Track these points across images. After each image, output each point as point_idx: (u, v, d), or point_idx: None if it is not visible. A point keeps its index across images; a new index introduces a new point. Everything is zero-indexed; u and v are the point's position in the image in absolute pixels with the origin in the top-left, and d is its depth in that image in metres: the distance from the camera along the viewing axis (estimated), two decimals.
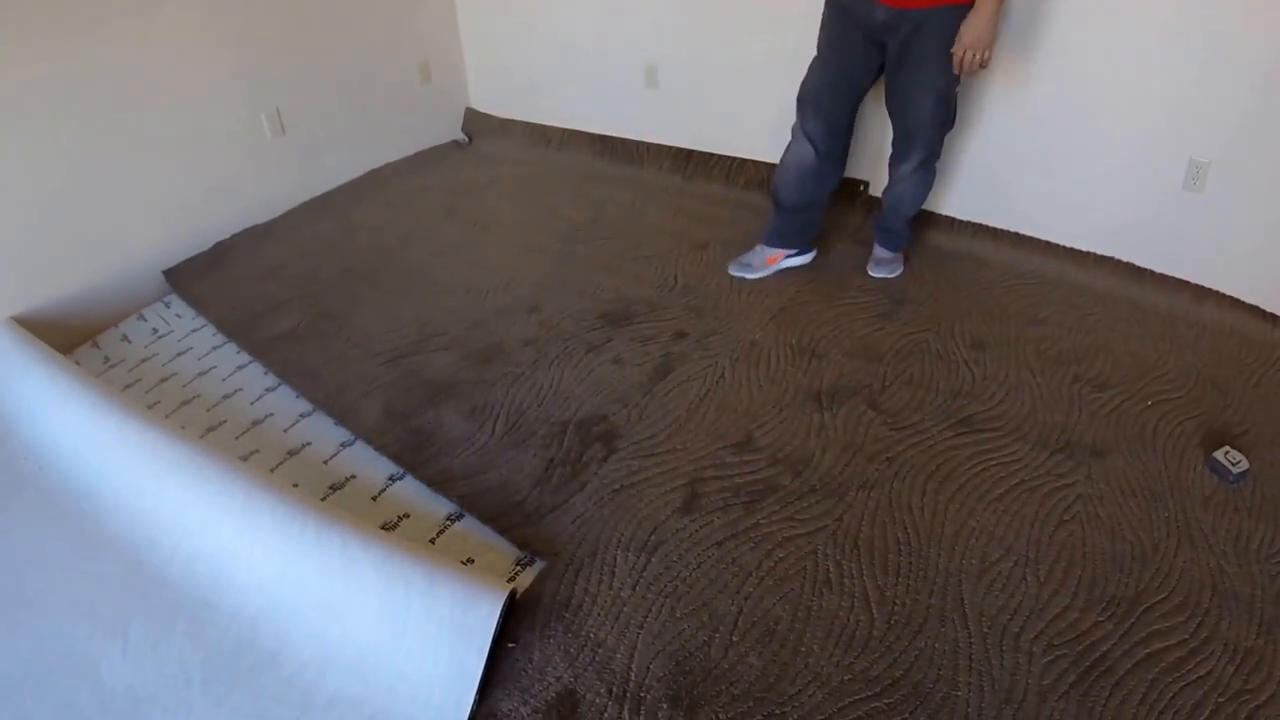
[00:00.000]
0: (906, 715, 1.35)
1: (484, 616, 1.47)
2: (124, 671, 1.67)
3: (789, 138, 2.50)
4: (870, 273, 2.65)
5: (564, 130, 3.81)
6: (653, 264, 2.72)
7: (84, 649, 1.73)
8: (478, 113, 4.08)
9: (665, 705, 1.39)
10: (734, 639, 1.48)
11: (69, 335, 2.88)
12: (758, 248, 2.69)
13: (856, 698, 1.38)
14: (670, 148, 3.48)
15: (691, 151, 3.42)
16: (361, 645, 1.57)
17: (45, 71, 2.66)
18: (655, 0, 3.32)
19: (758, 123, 3.22)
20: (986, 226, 2.79)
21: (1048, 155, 2.60)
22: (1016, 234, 2.74)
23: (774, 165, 2.58)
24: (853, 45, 2.29)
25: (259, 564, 1.75)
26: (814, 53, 2.38)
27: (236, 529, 1.81)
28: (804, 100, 2.43)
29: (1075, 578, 1.54)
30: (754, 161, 3.25)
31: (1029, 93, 2.59)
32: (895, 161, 2.49)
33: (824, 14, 2.32)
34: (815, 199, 2.53)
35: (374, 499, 1.91)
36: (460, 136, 4.09)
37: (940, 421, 1.93)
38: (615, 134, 3.64)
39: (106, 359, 2.68)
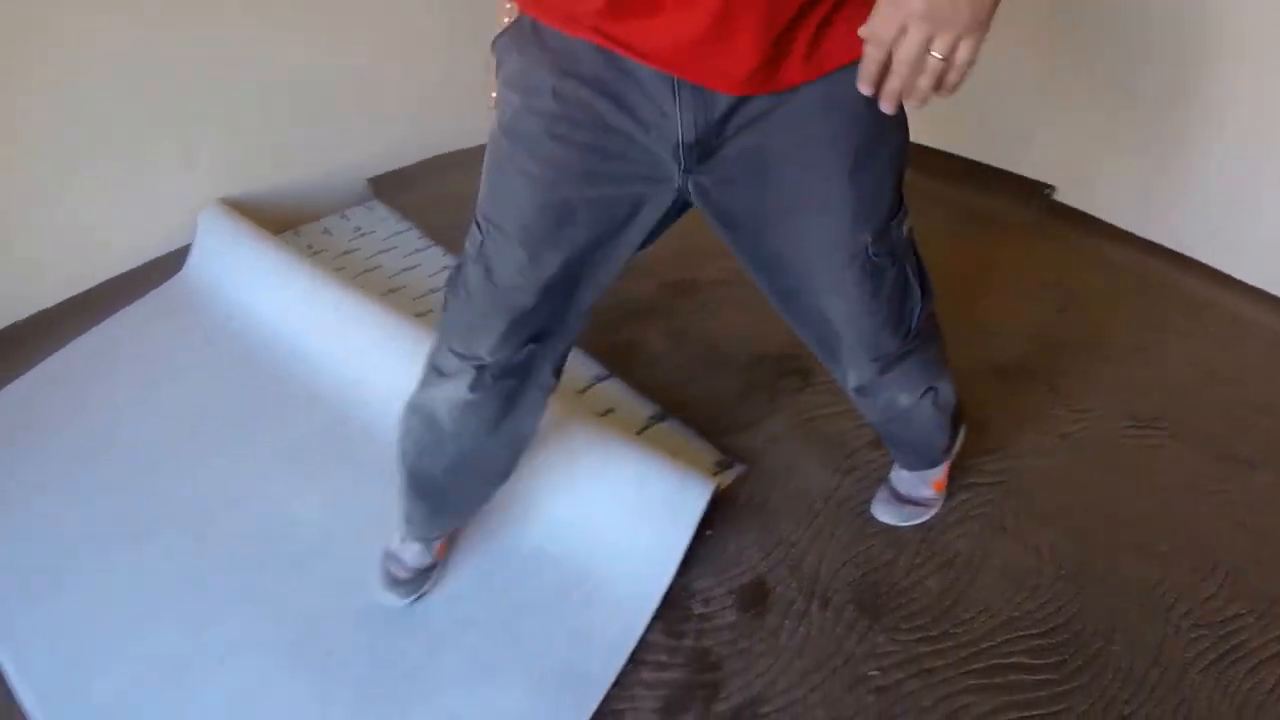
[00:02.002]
0: (1065, 657, 1.41)
1: (694, 499, 1.56)
2: (316, 507, 1.82)
3: None
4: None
5: None
6: None
7: (281, 487, 1.88)
8: None
9: (851, 607, 1.48)
10: (916, 562, 1.56)
11: (271, 224, 2.98)
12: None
13: (1021, 633, 1.45)
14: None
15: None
16: (567, 508, 1.67)
17: None
18: None
19: None
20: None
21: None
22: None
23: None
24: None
25: None
26: None
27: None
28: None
29: (1222, 570, 1.56)
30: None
31: None
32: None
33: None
34: None
35: (580, 392, 2.01)
36: None
37: (1114, 412, 1.95)
38: None
39: (309, 246, 2.84)
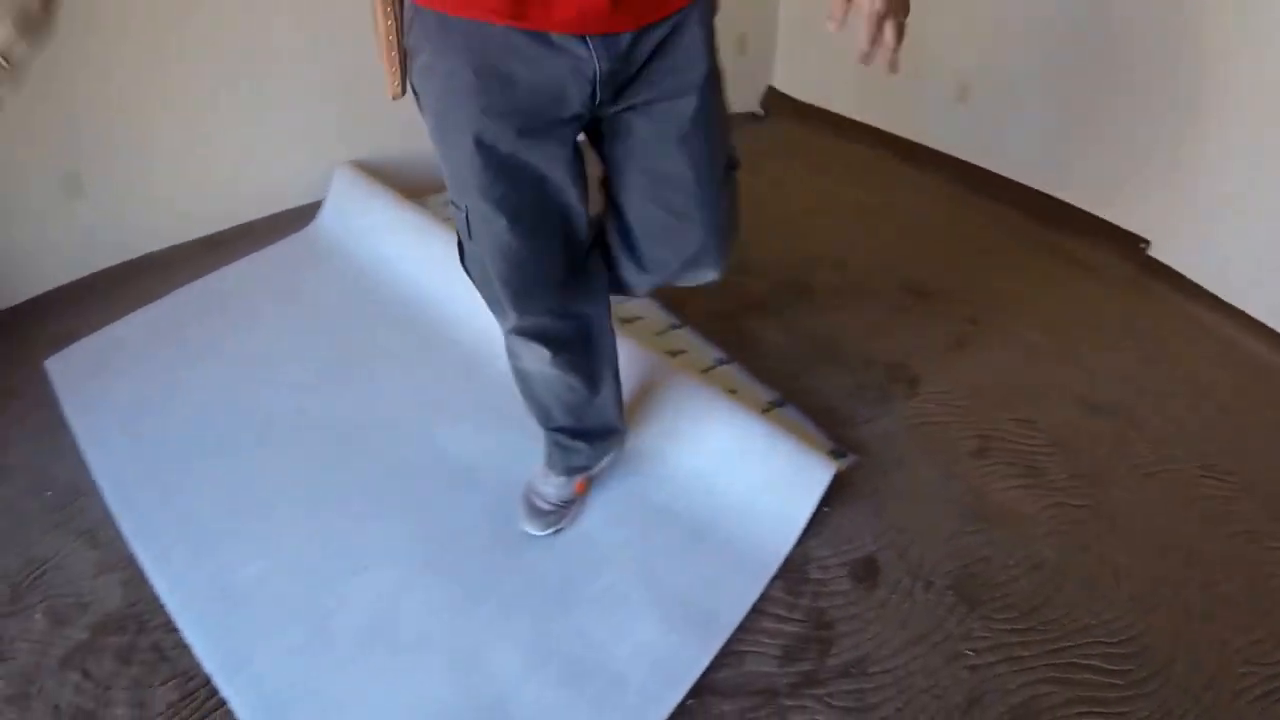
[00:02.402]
0: (1132, 667, 1.55)
1: (818, 475, 1.73)
2: (458, 441, 2.00)
3: None
4: None
5: (862, 125, 3.85)
6: (940, 259, 2.88)
7: (427, 421, 2.08)
8: (778, 92, 4.25)
9: (951, 593, 1.64)
10: (1009, 563, 1.71)
11: (400, 190, 3.15)
12: None
13: (1097, 639, 1.59)
14: (968, 164, 3.42)
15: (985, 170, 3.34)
16: (697, 469, 1.84)
17: None
18: (969, 11, 3.28)
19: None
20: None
21: None
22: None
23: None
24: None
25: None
26: None
27: None
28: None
29: (1274, 618, 1.68)
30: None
31: None
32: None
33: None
34: None
35: (703, 372, 2.17)
36: (758, 109, 4.27)
37: (1192, 460, 2.08)
38: (913, 138, 3.64)
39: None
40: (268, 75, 2.85)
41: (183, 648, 1.69)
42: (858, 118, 3.82)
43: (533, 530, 1.74)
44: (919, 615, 1.60)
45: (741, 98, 4.12)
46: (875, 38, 1.02)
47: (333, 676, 1.55)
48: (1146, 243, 2.78)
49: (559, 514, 1.76)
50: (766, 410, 2.04)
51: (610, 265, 1.49)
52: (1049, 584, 1.68)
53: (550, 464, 1.73)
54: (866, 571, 1.67)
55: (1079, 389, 2.21)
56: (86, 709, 1.64)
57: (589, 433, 1.67)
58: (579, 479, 1.76)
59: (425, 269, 2.54)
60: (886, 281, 2.66)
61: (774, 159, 3.66)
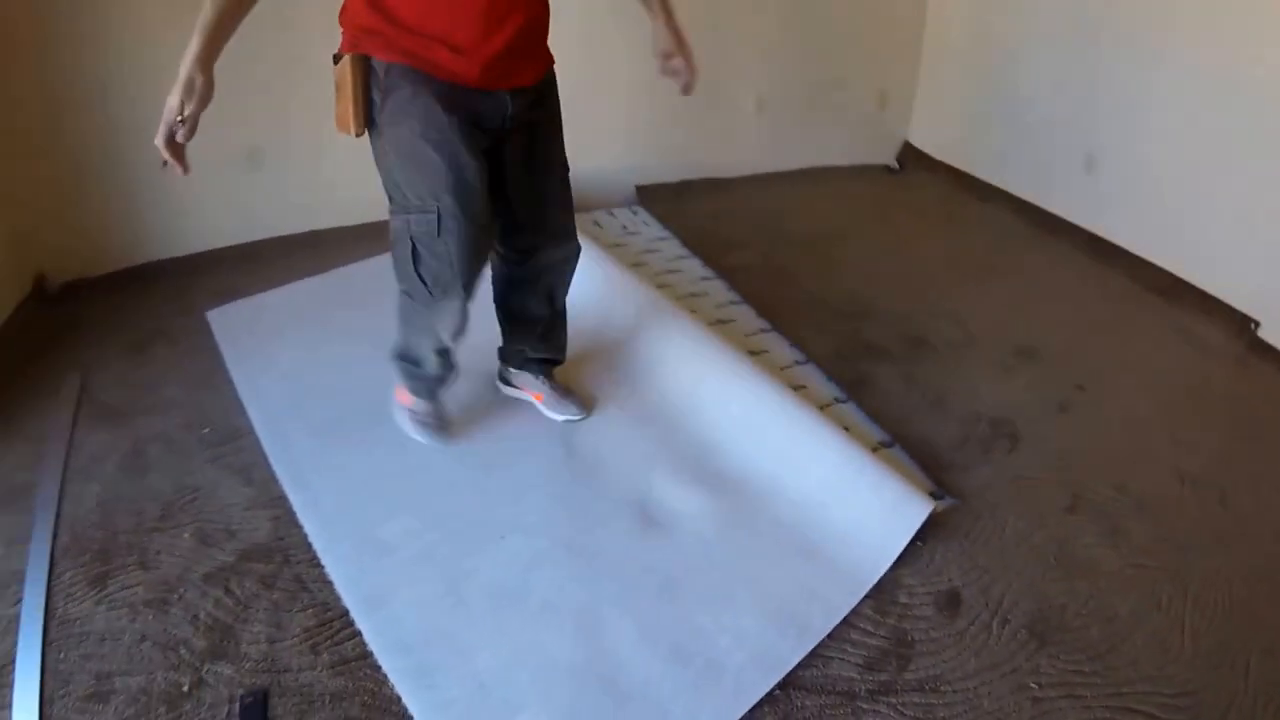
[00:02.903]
0: (1184, 719, 1.66)
1: (915, 511, 1.92)
2: (593, 437, 2.32)
3: None
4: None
5: (992, 186, 3.93)
6: (1054, 325, 2.99)
7: (553, 424, 2.37)
8: (913, 147, 4.38)
9: (1024, 631, 1.79)
10: (1083, 611, 1.85)
11: None
12: None
13: (1156, 690, 1.70)
14: (1090, 233, 3.49)
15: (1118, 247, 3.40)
16: (807, 494, 2.05)
17: None
18: (1094, 86, 3.36)
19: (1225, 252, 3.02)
20: None
21: None
22: None
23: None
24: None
25: (725, 406, 2.32)
26: None
27: (707, 373, 2.40)
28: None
29: None
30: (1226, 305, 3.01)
31: None
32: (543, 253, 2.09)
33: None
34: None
35: (822, 408, 2.38)
36: (892, 163, 4.42)
37: (1272, 533, 2.16)
38: (1040, 204, 3.70)
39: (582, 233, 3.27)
40: None
41: (324, 583, 1.94)
42: (989, 179, 3.93)
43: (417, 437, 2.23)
44: (992, 647, 1.75)
45: (878, 151, 4.33)
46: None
47: (464, 626, 1.80)
48: (1257, 323, 2.85)
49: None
50: (876, 449, 2.22)
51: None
52: (1118, 635, 1.80)
53: (416, 390, 2.21)
54: (949, 602, 1.83)
55: (1174, 460, 2.32)
56: (224, 622, 1.88)
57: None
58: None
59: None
60: (1001, 342, 2.80)
61: (905, 212, 3.84)
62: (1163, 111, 3.13)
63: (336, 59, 1.71)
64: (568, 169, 2.02)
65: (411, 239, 1.82)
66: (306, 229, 3.37)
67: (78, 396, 2.56)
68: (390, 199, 1.87)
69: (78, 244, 3.08)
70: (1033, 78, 3.63)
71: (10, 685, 1.74)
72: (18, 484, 2.26)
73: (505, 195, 1.92)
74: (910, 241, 3.58)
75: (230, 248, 3.25)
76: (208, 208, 3.04)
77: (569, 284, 2.18)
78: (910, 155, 4.39)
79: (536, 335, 2.24)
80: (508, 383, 2.40)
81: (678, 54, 1.97)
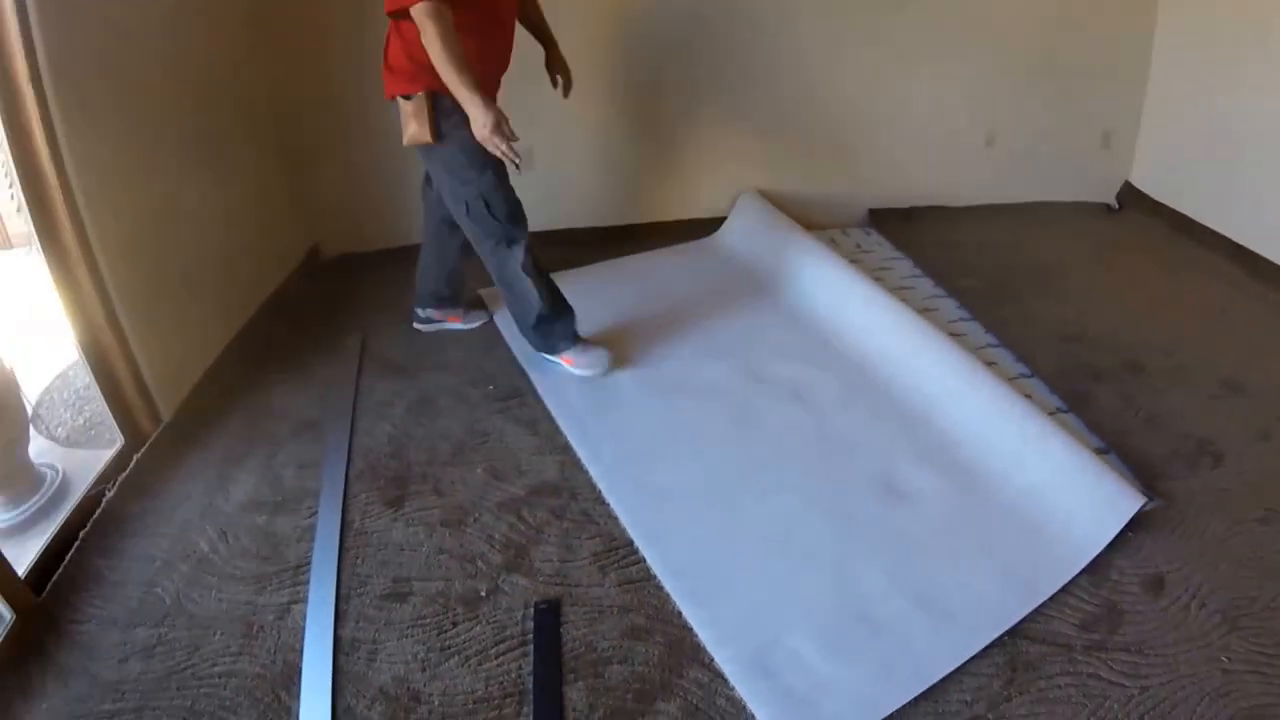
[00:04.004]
0: None
1: (1129, 503, 2.19)
2: (843, 427, 2.64)
3: None
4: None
5: (1210, 230, 3.95)
6: (1261, 362, 3.11)
7: (813, 402, 2.74)
8: (1134, 187, 4.42)
9: (1218, 616, 2.01)
10: (1270, 606, 2.03)
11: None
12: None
13: None
14: None
15: None
16: (1038, 481, 2.33)
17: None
18: None
19: None
20: None
21: None
22: None
23: None
24: None
25: (963, 402, 2.61)
26: None
27: (947, 373, 2.69)
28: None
29: None
30: None
31: None
32: None
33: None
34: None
35: (1049, 414, 2.68)
36: (1112, 202, 4.51)
37: None
38: (1257, 250, 3.70)
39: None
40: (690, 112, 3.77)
41: (610, 519, 2.31)
42: (1207, 223, 3.97)
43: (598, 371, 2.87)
44: (1190, 624, 2.00)
45: (1099, 190, 4.46)
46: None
47: (732, 563, 2.15)
48: None
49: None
50: (1095, 454, 2.52)
51: None
52: None
53: (565, 344, 2.84)
54: (1154, 585, 2.10)
55: None
56: (518, 543, 2.24)
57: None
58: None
59: (815, 285, 3.25)
60: (1209, 373, 2.98)
61: (1125, 252, 3.99)
62: None
63: (407, 97, 2.45)
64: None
65: (482, 196, 2.54)
66: (565, 227, 3.87)
67: (360, 353, 3.07)
68: (458, 184, 2.57)
69: (349, 224, 3.67)
70: (1254, 123, 3.65)
71: (306, 583, 2.13)
72: (308, 419, 2.73)
73: None
74: (1129, 277, 3.74)
75: None
76: None
77: None
78: (1130, 195, 4.45)
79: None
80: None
81: (559, 72, 2.79)
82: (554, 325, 2.80)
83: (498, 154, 2.35)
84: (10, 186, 2.97)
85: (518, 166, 2.41)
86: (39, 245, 2.30)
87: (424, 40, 2.22)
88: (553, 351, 2.86)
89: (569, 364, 2.84)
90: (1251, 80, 3.65)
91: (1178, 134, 4.16)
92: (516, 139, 2.36)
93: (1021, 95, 4.16)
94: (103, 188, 2.41)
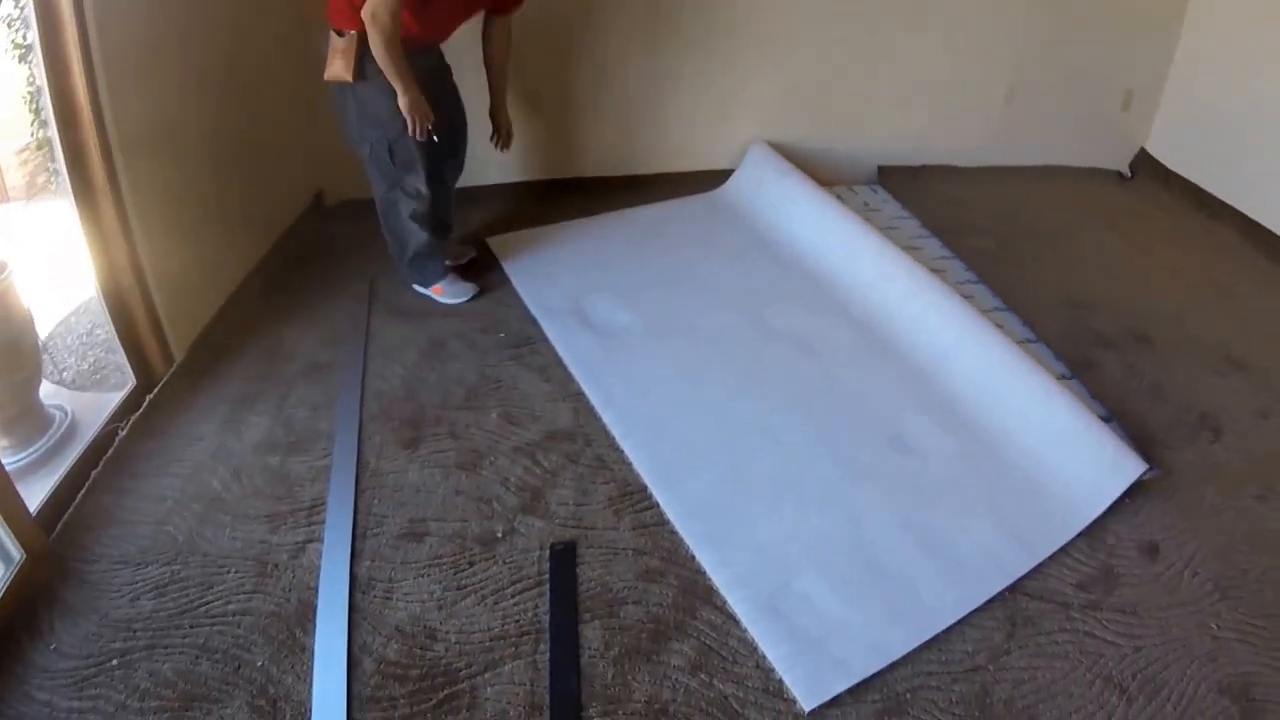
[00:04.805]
0: None
1: (1129, 470, 2.31)
2: (853, 373, 2.76)
3: None
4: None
5: (1223, 203, 4.04)
6: (1265, 342, 3.19)
7: (824, 356, 2.83)
8: (1149, 155, 4.47)
9: (1210, 584, 2.12)
10: (1262, 577, 2.15)
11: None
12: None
13: None
14: None
15: None
16: (1042, 442, 2.43)
17: None
18: None
19: None
20: None
21: None
22: None
23: None
24: None
25: (972, 361, 2.69)
26: None
27: (957, 331, 2.77)
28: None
29: None
30: None
31: None
32: None
33: None
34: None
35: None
36: (1125, 170, 4.56)
37: None
38: (1271, 227, 3.76)
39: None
40: (702, 55, 3.81)
41: (624, 464, 2.40)
42: (1221, 196, 4.03)
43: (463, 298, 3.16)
44: (1183, 590, 2.11)
45: (1114, 156, 4.50)
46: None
47: (746, 503, 2.26)
48: None
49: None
50: None
51: None
52: None
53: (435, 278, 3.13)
54: (1149, 550, 2.21)
55: None
56: (534, 485, 2.33)
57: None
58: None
59: (825, 238, 3.33)
60: (1214, 348, 3.08)
61: (1136, 219, 4.07)
62: None
63: (340, 33, 2.58)
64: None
65: (387, 140, 2.75)
66: (576, 175, 3.95)
67: (369, 297, 3.15)
68: (368, 125, 2.76)
69: (351, 173, 3.65)
70: (1272, 92, 3.70)
71: (321, 522, 2.21)
72: (319, 361, 2.80)
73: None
74: (1139, 247, 3.82)
75: (494, 185, 3.85)
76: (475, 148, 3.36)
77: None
78: (1144, 164, 4.51)
79: None
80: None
81: (499, 125, 3.14)
82: (426, 263, 3.07)
83: (411, 124, 2.64)
84: (33, 123, 3.02)
85: (432, 139, 2.71)
86: (67, 181, 2.34)
87: (369, 37, 2.47)
88: (424, 284, 3.15)
89: (438, 293, 3.13)
90: (1274, 53, 3.70)
91: (1201, 101, 4.17)
92: (431, 119, 2.67)
93: (1047, 47, 4.14)
94: (135, 121, 2.46)
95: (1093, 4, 4.06)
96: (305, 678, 1.83)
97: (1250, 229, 3.83)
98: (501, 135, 3.15)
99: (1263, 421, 2.71)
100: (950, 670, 1.88)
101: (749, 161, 4.01)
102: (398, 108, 2.62)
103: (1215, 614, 2.06)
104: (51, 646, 1.87)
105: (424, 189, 2.86)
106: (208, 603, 1.99)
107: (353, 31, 2.53)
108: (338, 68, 2.59)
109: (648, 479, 2.33)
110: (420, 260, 3.07)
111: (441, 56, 2.91)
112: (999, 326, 2.86)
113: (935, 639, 1.94)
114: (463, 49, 2.97)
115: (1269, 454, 2.56)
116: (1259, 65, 3.77)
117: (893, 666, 1.88)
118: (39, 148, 3.62)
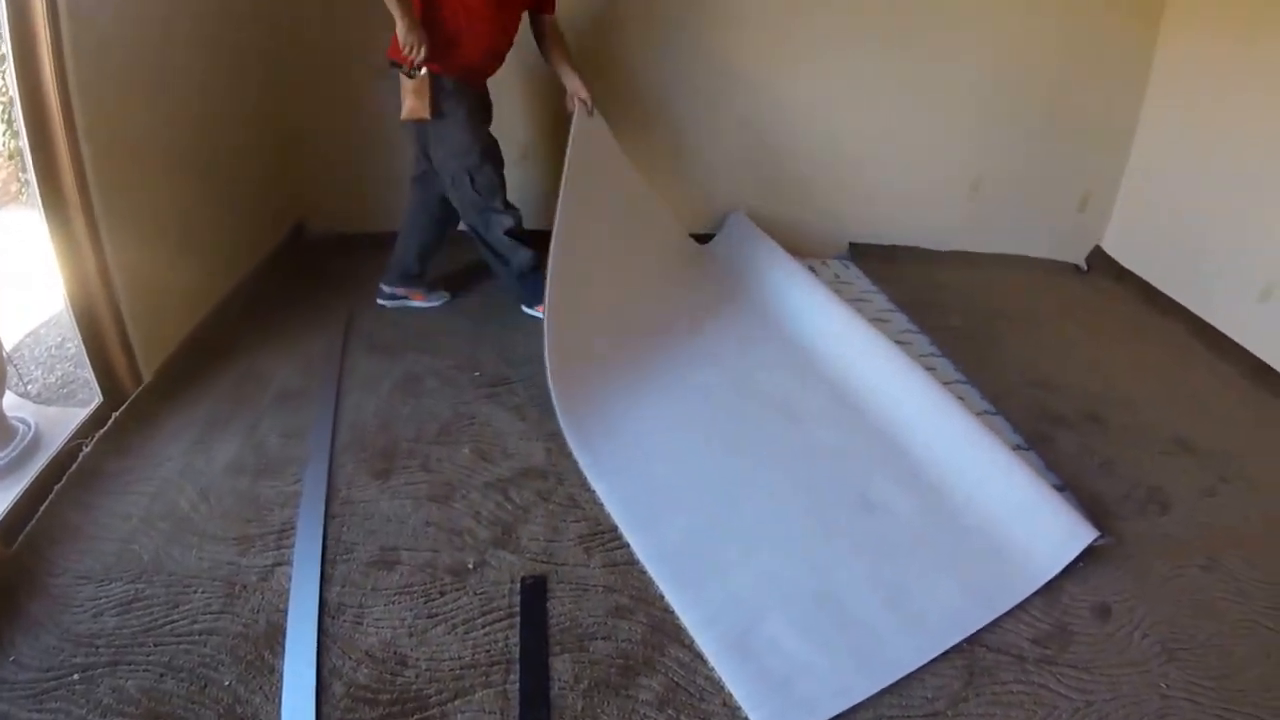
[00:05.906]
0: None
1: (1081, 536, 2.44)
2: (824, 436, 2.87)
3: None
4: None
5: (1172, 300, 4.24)
6: (1212, 428, 3.39)
7: (798, 416, 2.99)
8: (1103, 252, 4.76)
9: (1158, 646, 2.27)
10: (1208, 643, 2.30)
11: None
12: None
13: (1252, 708, 2.15)
14: (1260, 360, 3.69)
15: None
16: (1002, 511, 2.57)
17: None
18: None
19: None
20: None
21: None
22: None
23: None
24: None
25: (935, 429, 2.84)
26: None
27: (921, 400, 2.93)
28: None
29: None
30: None
31: None
32: None
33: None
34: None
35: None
36: (1081, 264, 4.83)
37: None
38: (1216, 325, 3.96)
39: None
40: (685, 128, 4.10)
41: (595, 504, 2.47)
42: (1170, 294, 4.27)
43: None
44: (1132, 651, 2.24)
45: (1072, 250, 4.78)
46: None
47: (719, 550, 2.36)
48: None
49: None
50: None
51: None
52: (1233, 668, 2.24)
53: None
54: (1101, 612, 2.34)
55: None
56: (505, 520, 2.39)
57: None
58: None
59: (800, 307, 3.52)
60: (1164, 431, 3.27)
61: (1092, 312, 4.31)
62: None
63: (409, 74, 2.90)
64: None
65: (467, 171, 3.08)
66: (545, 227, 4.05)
67: (346, 329, 3.24)
68: (449, 157, 3.07)
69: (335, 206, 3.87)
70: (1222, 207, 3.95)
71: (290, 546, 2.25)
72: (292, 388, 2.87)
73: None
74: (1094, 336, 4.04)
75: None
76: None
77: None
78: (1100, 260, 4.78)
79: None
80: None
81: (581, 95, 3.34)
82: (538, 280, 3.09)
83: (406, 50, 2.81)
84: (4, 132, 3.09)
85: (410, 75, 2.88)
86: (37, 192, 2.38)
87: None
88: (533, 305, 3.38)
89: (542, 311, 3.07)
90: (1222, 165, 3.98)
91: (1152, 205, 4.47)
92: (423, 57, 2.83)
93: (1011, 144, 4.46)
94: (110, 135, 2.52)
95: (1051, 109, 4.39)
96: (274, 698, 1.86)
97: (1199, 326, 4.04)
98: (586, 101, 3.40)
99: (1208, 499, 2.88)
100: (910, 714, 1.98)
101: (729, 227, 4.31)
102: (474, 139, 3.02)
103: (1164, 674, 2.18)
104: (10, 658, 1.89)
105: (512, 208, 3.22)
106: (173, 621, 2.02)
107: (423, 72, 2.83)
108: (415, 106, 2.89)
109: (619, 519, 2.42)
110: (528, 278, 3.33)
111: (488, 94, 3.26)
112: (960, 398, 3.04)
113: (896, 684, 2.04)
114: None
115: (1214, 528, 2.73)
116: (1210, 173, 4.03)
117: (855, 709, 1.97)
118: (10, 158, 3.71)
